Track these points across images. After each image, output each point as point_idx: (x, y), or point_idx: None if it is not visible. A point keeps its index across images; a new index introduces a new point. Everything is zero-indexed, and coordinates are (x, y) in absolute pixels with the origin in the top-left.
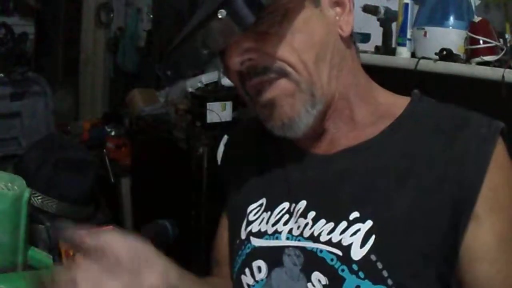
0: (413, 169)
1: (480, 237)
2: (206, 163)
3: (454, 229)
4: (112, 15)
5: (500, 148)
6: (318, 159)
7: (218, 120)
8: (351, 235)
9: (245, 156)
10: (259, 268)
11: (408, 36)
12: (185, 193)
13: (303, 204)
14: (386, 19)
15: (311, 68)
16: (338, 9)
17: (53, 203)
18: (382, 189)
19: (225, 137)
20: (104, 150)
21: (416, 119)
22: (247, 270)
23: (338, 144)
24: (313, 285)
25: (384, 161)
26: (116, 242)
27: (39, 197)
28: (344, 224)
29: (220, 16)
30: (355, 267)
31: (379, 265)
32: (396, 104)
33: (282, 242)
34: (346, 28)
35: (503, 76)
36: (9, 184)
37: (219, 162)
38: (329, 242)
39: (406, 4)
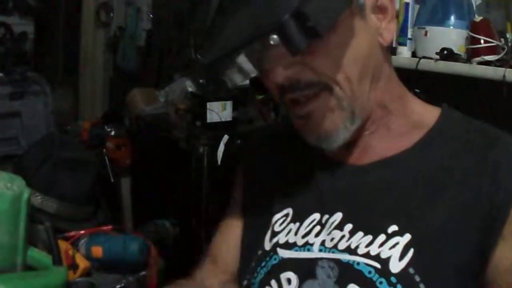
0: (447, 183)
1: (503, 257)
2: (206, 163)
3: (484, 246)
4: (112, 15)
5: None
6: (351, 169)
7: (218, 120)
8: (390, 248)
9: (269, 163)
10: (289, 280)
11: (409, 35)
12: (185, 193)
13: (338, 216)
14: None
15: (355, 85)
16: (380, 16)
17: (52, 203)
18: (418, 202)
19: (225, 137)
20: (104, 150)
21: (447, 133)
22: (273, 282)
23: (371, 153)
24: None
25: (419, 174)
26: None
27: (39, 197)
28: (382, 237)
29: (272, 43)
30: (393, 279)
31: (417, 278)
32: (427, 114)
33: (315, 254)
34: (388, 36)
35: (504, 76)
36: (9, 184)
37: (219, 162)
38: (367, 255)
39: (407, 4)
